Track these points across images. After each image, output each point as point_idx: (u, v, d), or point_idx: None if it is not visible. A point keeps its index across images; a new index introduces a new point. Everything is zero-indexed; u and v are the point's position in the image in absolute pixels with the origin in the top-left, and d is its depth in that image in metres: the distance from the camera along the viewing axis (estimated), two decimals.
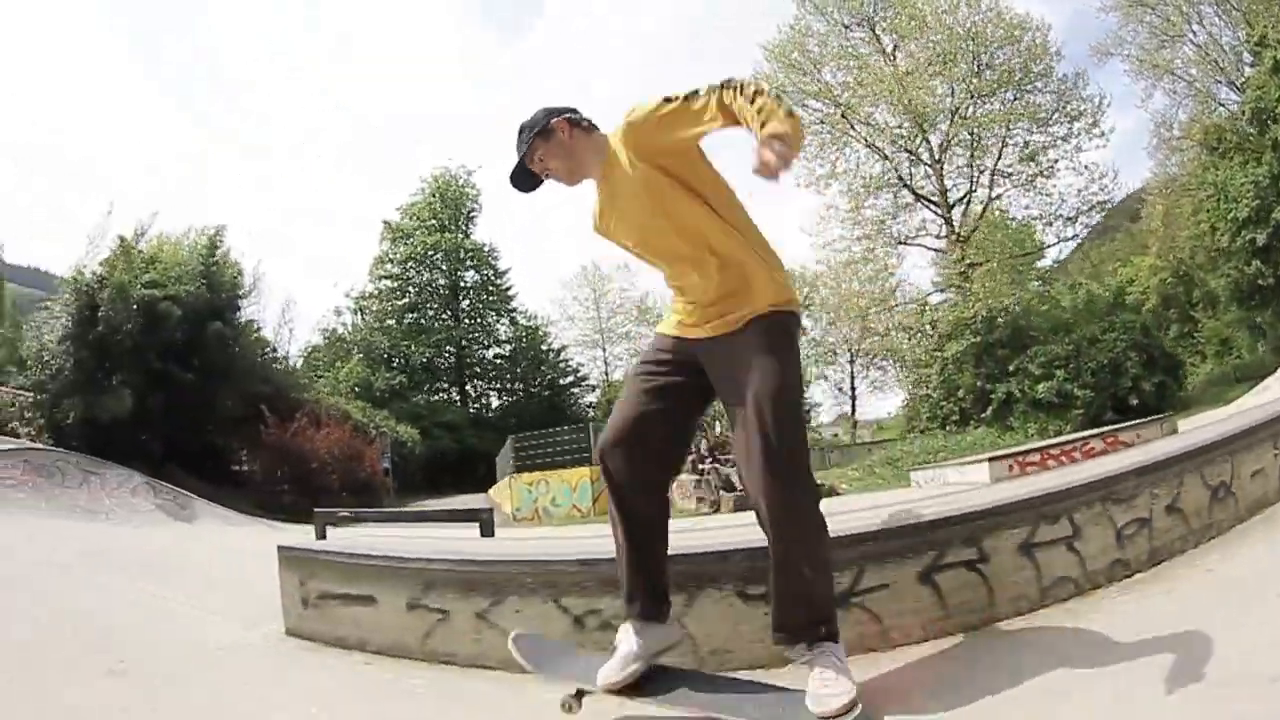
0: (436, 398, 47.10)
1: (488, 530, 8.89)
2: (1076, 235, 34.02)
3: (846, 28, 33.76)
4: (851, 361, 54.07)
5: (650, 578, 2.89)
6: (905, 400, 40.16)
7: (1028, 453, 16.23)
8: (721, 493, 18.62)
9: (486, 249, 51.31)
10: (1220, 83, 32.75)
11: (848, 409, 56.12)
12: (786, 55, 33.84)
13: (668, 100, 2.65)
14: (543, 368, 51.13)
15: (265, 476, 22.24)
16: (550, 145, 2.88)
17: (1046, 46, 32.01)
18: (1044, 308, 31.27)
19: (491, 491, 31.44)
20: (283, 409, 24.33)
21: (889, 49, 33.64)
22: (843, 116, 33.31)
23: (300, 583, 4.43)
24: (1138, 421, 18.49)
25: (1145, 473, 3.94)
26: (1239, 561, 3.64)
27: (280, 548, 4.77)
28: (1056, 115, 31.75)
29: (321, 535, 9.18)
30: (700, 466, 19.89)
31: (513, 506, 22.70)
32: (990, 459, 15.70)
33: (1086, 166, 32.05)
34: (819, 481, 2.91)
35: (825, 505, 2.77)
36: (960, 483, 13.85)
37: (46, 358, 22.97)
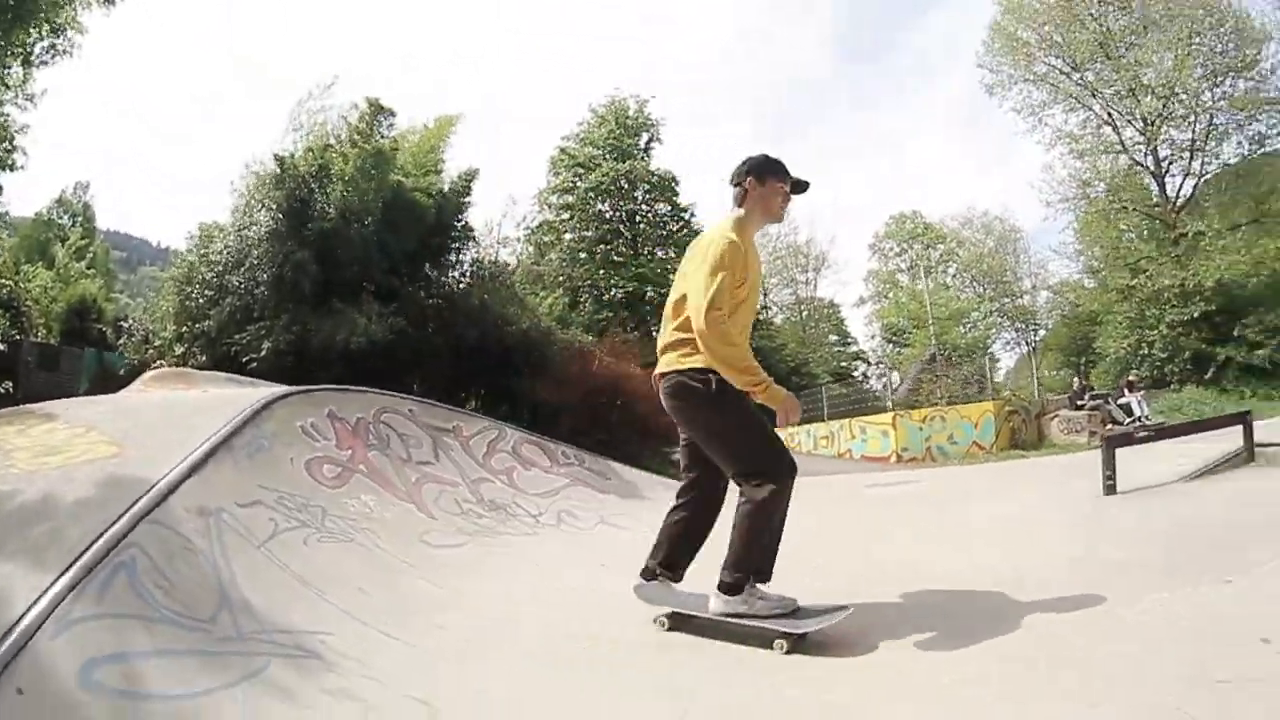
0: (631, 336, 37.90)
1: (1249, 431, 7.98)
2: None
3: None
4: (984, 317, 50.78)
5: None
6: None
7: None
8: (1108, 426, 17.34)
9: (668, 179, 41.77)
10: None
11: None
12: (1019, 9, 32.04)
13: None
14: None
15: (579, 421, 13.38)
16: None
17: (1250, 32, 29.48)
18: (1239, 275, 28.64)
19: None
20: (539, 340, 16.43)
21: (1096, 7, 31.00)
22: (1074, 70, 31.48)
23: None
24: None
25: None
26: None
27: None
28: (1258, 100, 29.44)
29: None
30: (1080, 404, 19.46)
31: (896, 447, 18.87)
32: None
33: None
34: None
35: None
36: None
37: (208, 275, 14.58)
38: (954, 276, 53.84)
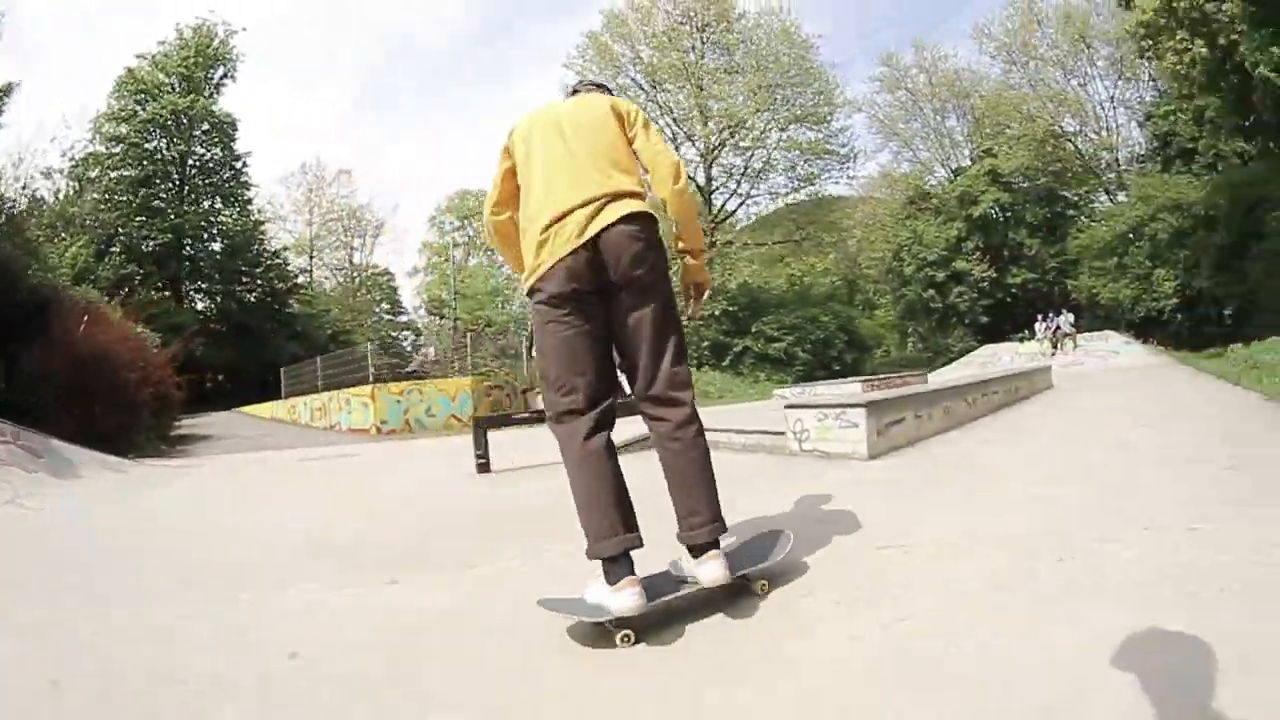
0: (159, 294, 31.29)
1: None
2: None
3: (681, 21, 35.66)
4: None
5: None
6: None
7: (866, 381, 18.75)
8: None
9: (228, 122, 38.19)
10: (938, 160, 41.96)
11: None
12: (620, 26, 35.58)
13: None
14: (257, 270, 39.49)
15: (63, 396, 11.54)
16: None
17: (832, 97, 36.74)
18: (779, 285, 37.04)
19: (271, 407, 25.92)
20: (48, 298, 13.98)
21: (699, 45, 35.91)
22: (653, 87, 35.71)
23: None
24: (907, 373, 21.95)
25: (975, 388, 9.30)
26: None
27: None
28: (820, 149, 37.02)
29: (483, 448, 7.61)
30: None
31: (376, 419, 18.91)
32: (862, 381, 18.40)
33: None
34: None
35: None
36: (843, 392, 14.78)
37: None
38: None
